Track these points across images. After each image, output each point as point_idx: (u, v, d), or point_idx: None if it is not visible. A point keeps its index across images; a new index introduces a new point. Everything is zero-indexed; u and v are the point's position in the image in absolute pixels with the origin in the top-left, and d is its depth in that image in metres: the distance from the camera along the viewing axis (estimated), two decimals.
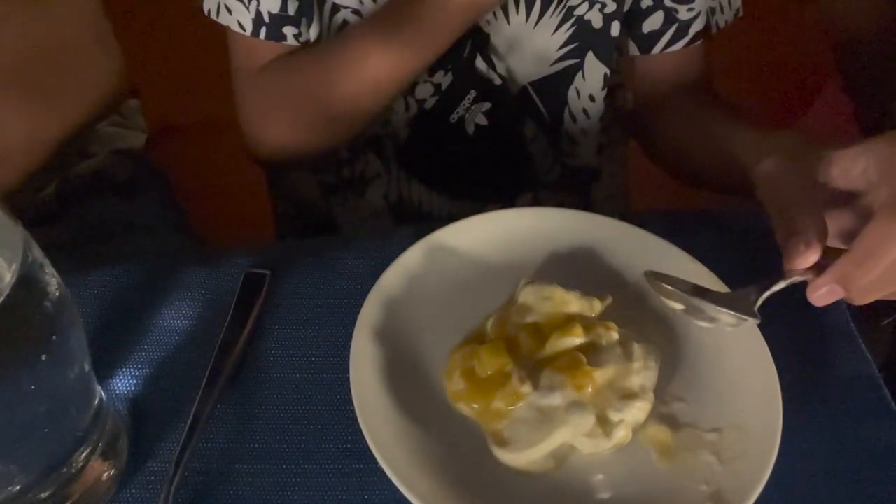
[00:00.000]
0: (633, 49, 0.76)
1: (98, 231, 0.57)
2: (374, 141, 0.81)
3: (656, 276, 0.50)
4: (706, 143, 0.69)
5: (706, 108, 0.75)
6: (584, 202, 0.87)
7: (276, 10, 0.68)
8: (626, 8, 0.73)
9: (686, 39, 0.74)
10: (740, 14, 0.77)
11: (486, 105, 0.75)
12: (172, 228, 0.82)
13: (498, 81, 0.75)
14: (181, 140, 1.36)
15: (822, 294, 0.46)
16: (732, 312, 0.48)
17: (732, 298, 0.49)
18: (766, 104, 1.39)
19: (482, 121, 0.76)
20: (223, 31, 0.71)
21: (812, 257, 0.46)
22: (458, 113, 0.76)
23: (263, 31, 0.69)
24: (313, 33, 0.71)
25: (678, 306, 0.50)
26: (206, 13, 0.71)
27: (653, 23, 0.73)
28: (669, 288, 0.50)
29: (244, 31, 0.70)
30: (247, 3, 0.68)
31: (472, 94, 0.74)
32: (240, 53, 0.74)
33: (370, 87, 0.67)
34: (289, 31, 0.70)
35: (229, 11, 0.69)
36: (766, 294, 0.48)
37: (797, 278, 0.47)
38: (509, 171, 0.81)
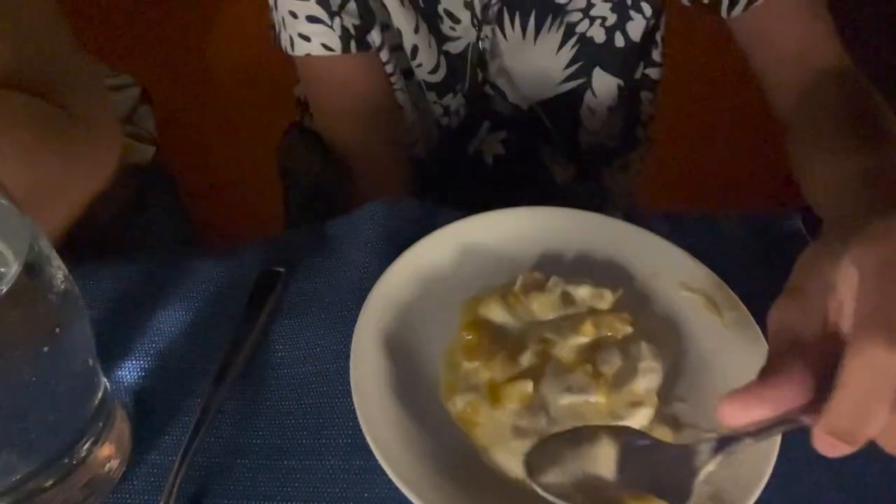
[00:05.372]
0: (725, 9, 0.65)
1: (104, 244, 0.56)
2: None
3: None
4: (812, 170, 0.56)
5: (819, 117, 0.60)
6: (597, 188, 0.85)
7: (358, 20, 0.65)
8: (631, 19, 0.70)
9: None
10: None
11: (503, 134, 0.74)
12: (180, 241, 0.82)
13: (510, 110, 0.73)
14: (188, 138, 1.36)
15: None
16: None
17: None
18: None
19: (499, 150, 0.75)
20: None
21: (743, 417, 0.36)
22: (473, 145, 0.75)
23: (353, 44, 0.66)
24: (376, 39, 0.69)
25: None
26: (284, 50, 0.68)
27: None
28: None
29: (332, 50, 0.66)
30: (329, 22, 0.65)
31: (487, 124, 0.73)
32: (322, 77, 0.70)
33: None
34: (371, 37, 0.67)
35: (307, 39, 0.66)
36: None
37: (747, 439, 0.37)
38: (532, 191, 0.79)
